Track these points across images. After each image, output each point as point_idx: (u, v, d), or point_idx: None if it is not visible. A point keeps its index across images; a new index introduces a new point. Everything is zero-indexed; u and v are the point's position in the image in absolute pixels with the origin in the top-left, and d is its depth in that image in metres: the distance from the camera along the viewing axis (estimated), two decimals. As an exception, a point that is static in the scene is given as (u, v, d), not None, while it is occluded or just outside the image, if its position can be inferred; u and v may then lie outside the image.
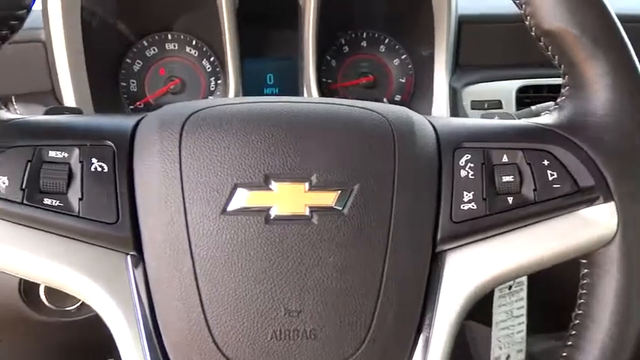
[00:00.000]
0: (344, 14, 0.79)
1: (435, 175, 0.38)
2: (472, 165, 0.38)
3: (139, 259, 0.37)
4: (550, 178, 0.38)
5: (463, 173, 0.38)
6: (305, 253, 0.36)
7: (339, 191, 0.36)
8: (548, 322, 0.64)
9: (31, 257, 0.36)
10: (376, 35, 0.83)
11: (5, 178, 0.35)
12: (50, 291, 0.61)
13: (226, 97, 0.40)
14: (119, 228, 0.36)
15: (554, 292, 0.53)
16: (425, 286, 0.37)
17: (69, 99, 0.66)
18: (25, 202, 0.35)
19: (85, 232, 0.36)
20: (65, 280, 0.36)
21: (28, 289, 0.61)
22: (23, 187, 0.35)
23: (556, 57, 0.40)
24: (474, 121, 0.42)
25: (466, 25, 0.79)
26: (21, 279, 0.61)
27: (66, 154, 0.36)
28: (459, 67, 0.80)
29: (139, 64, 0.78)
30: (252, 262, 0.35)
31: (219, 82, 0.80)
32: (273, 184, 0.36)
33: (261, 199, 0.36)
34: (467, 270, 0.38)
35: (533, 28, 0.40)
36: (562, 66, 0.40)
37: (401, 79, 0.84)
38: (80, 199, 0.36)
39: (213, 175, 0.36)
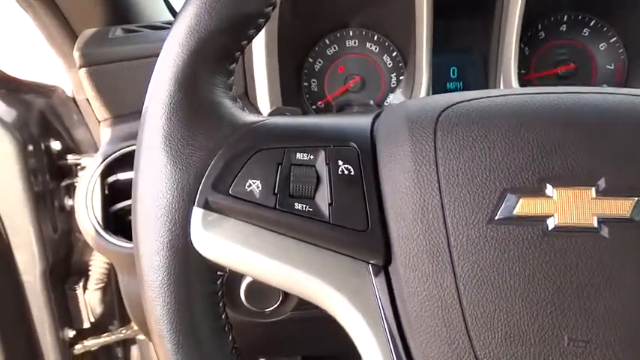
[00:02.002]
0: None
1: None
2: None
3: (380, 268, 0.34)
4: None
5: None
6: (593, 271, 0.30)
7: (636, 199, 0.30)
8: None
9: (280, 265, 0.34)
10: (579, 17, 0.73)
11: (258, 182, 0.33)
12: (249, 293, 0.62)
13: (478, 91, 0.36)
14: (369, 236, 0.33)
15: None
16: None
17: (263, 101, 0.66)
18: (277, 207, 0.33)
19: (334, 240, 0.33)
20: (311, 290, 0.34)
21: (229, 289, 0.62)
22: (275, 191, 0.33)
23: None
24: None
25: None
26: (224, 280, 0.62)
27: (312, 156, 0.34)
28: None
29: (319, 63, 0.77)
30: (527, 279, 0.30)
31: (400, 77, 0.76)
32: (550, 190, 0.31)
33: (536, 207, 0.31)
34: None
35: None
36: None
37: (608, 66, 0.73)
38: (330, 205, 0.33)
39: (476, 179, 0.31)
